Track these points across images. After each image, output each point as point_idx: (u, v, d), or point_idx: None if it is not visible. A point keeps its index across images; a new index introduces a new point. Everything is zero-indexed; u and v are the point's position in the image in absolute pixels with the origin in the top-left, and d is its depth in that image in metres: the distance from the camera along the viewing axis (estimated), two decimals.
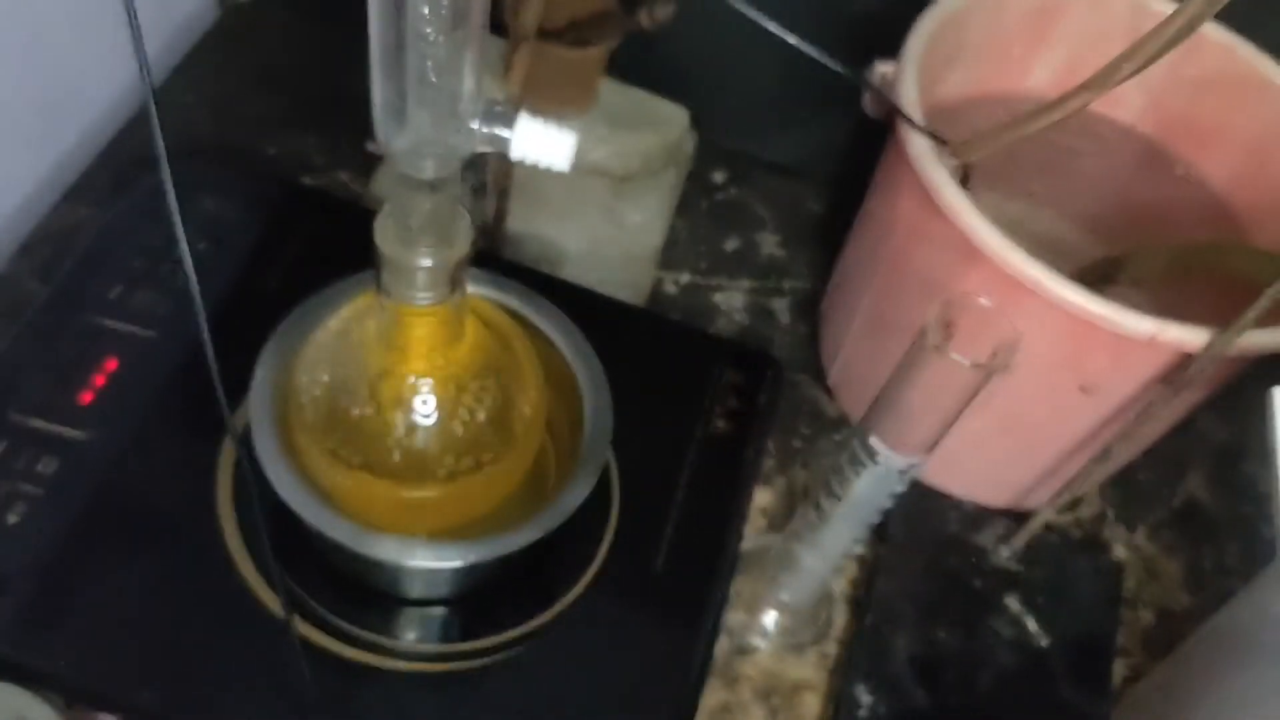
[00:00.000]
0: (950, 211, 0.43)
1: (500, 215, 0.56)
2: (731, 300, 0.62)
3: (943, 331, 0.34)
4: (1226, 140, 0.53)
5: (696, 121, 0.66)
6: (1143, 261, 0.49)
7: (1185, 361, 0.41)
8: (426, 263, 0.33)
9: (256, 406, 0.40)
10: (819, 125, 0.66)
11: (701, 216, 0.65)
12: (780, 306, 0.62)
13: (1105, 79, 0.37)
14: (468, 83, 0.29)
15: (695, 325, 0.60)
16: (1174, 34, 0.35)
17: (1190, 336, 0.41)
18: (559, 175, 0.32)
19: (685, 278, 0.62)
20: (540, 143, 0.31)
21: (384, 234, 0.33)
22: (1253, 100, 0.52)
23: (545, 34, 0.57)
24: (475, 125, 0.30)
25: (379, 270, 0.35)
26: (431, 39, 0.27)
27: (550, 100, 0.60)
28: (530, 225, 0.60)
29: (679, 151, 0.66)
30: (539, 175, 0.32)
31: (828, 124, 0.66)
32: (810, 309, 0.62)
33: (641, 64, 0.63)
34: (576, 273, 0.59)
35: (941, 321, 0.34)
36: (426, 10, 0.26)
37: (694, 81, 0.65)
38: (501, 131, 0.30)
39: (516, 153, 0.31)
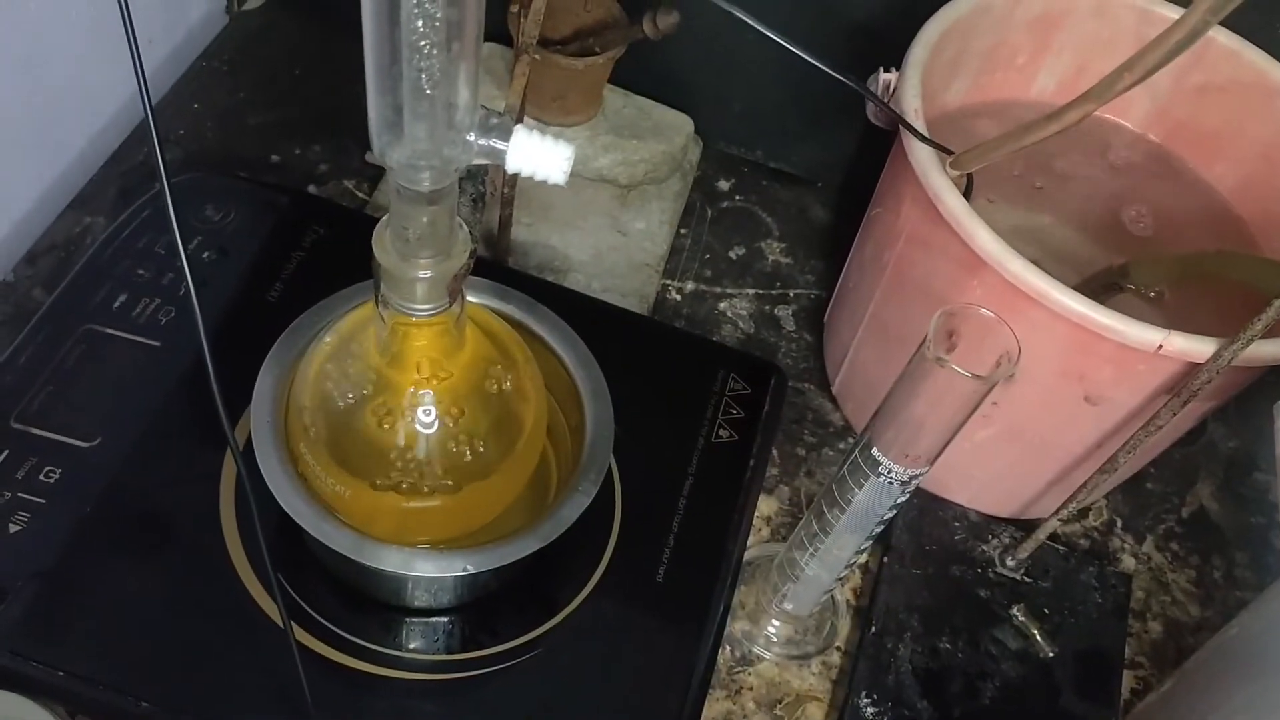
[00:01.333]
0: (953, 220, 0.42)
1: (505, 224, 0.56)
2: (736, 308, 0.62)
3: (944, 342, 0.34)
4: (1234, 147, 0.53)
5: (701, 130, 0.66)
6: (1148, 270, 0.48)
7: (1192, 372, 0.41)
8: (424, 274, 0.33)
9: (258, 416, 0.40)
10: (824, 133, 0.66)
11: (706, 224, 0.65)
12: (785, 314, 0.62)
13: (1106, 89, 0.37)
14: (463, 95, 0.29)
15: (700, 333, 0.59)
16: (1176, 43, 0.34)
17: (1196, 347, 0.40)
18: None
19: (690, 286, 0.62)
20: (537, 155, 0.30)
21: (382, 245, 0.33)
22: (1261, 106, 0.51)
23: (550, 43, 0.57)
24: (471, 137, 0.30)
25: (377, 281, 0.35)
26: (426, 52, 0.27)
27: (555, 110, 0.60)
28: (535, 234, 0.60)
29: (684, 160, 0.66)
30: (544, 184, 0.32)
31: (833, 132, 0.65)
32: (815, 317, 0.62)
33: (646, 73, 0.63)
34: (581, 281, 0.59)
35: (943, 332, 0.34)
36: (421, 23, 0.26)
37: (698, 90, 0.65)
38: (498, 144, 0.30)
39: (512, 165, 0.30)
